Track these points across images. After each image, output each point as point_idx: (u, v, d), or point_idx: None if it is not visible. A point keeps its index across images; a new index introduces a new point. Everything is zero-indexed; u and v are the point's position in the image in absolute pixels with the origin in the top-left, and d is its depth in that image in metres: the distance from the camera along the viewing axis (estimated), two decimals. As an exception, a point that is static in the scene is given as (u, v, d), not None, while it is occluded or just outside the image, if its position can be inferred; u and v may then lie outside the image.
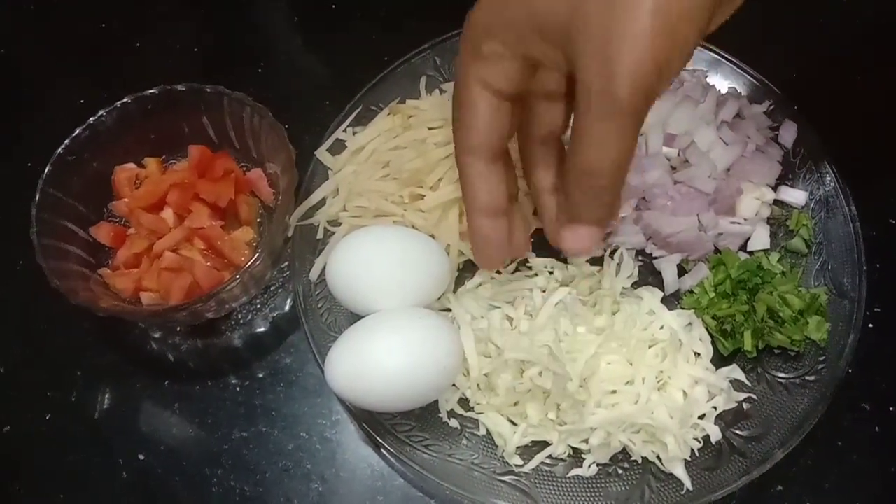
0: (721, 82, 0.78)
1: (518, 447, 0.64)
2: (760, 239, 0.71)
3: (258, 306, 0.74)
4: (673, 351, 0.65)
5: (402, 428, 0.65)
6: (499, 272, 0.71)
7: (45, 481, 0.69)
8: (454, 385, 0.65)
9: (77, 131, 0.72)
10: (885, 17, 0.87)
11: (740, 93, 0.77)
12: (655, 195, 0.71)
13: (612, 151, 0.47)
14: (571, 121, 0.49)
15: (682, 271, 0.71)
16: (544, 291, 0.68)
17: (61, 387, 0.72)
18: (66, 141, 0.71)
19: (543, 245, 0.73)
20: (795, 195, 0.73)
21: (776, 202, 0.73)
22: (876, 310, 0.71)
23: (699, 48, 0.79)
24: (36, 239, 0.67)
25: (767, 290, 0.67)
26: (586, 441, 0.64)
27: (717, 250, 0.72)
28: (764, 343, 0.67)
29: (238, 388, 0.71)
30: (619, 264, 0.70)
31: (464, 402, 0.67)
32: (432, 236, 0.69)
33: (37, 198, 0.69)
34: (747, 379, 0.67)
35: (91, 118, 0.72)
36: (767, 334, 0.66)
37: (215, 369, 0.72)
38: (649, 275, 0.72)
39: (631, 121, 0.46)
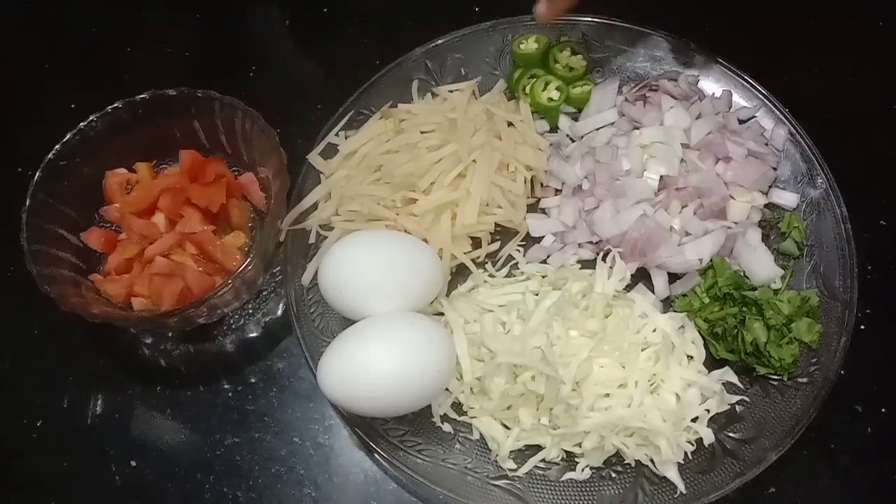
0: (713, 85, 0.78)
1: (511, 451, 0.64)
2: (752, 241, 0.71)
3: (250, 311, 0.74)
4: (665, 354, 0.65)
5: (395, 433, 0.65)
6: (491, 276, 0.71)
7: (37, 488, 0.69)
8: (447, 389, 0.65)
9: (68, 136, 0.71)
10: (880, 18, 0.88)
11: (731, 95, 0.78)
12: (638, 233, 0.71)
13: None
14: None
15: (673, 277, 0.71)
16: (537, 295, 0.68)
17: (54, 393, 0.72)
18: (57, 146, 0.71)
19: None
20: (787, 197, 0.73)
21: (767, 205, 0.74)
22: (867, 311, 0.71)
23: (695, 52, 0.79)
24: (26, 245, 0.67)
25: (753, 316, 0.66)
26: (579, 445, 0.64)
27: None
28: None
29: (230, 394, 0.71)
30: (611, 268, 0.70)
31: (457, 406, 0.67)
32: (425, 240, 0.69)
33: (27, 203, 0.69)
34: (740, 381, 0.67)
35: (82, 123, 0.72)
36: (753, 363, 0.67)
37: (207, 375, 0.72)
38: (641, 278, 0.72)
39: None
